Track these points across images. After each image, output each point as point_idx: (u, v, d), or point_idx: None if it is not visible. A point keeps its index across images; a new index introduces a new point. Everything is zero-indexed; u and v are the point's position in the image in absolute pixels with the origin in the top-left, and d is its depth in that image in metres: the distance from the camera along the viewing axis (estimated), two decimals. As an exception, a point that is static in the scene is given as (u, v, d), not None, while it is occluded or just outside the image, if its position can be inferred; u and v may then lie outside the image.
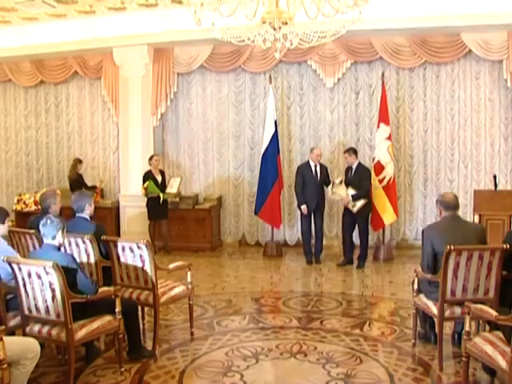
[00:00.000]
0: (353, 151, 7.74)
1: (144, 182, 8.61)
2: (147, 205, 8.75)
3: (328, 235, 9.08)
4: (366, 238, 7.86)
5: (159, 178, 8.74)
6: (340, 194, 7.66)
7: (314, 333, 5.10)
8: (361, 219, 7.74)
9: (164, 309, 5.44)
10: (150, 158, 8.78)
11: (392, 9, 7.74)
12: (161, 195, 8.59)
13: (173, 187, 8.92)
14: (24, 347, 3.43)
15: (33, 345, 3.51)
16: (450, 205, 4.47)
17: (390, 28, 7.96)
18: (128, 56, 9.11)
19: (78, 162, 9.50)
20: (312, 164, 7.97)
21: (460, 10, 7.61)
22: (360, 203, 7.51)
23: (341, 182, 7.69)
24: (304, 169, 8.00)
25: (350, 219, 7.78)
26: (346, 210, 7.77)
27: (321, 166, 8.02)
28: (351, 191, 7.52)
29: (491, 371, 3.86)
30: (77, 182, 9.23)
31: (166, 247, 8.86)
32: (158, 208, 8.64)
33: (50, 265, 3.67)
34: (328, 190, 7.83)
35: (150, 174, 8.68)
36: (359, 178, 7.60)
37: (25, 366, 3.42)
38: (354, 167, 7.69)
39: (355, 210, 7.54)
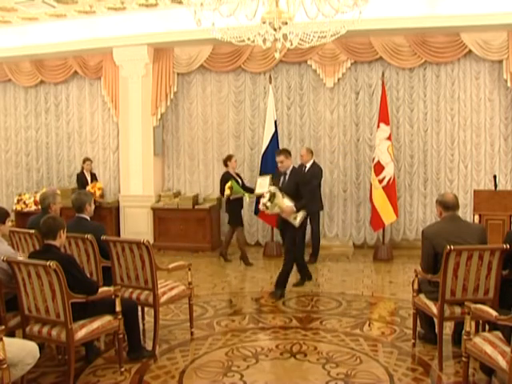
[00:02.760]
0: (288, 153, 6.49)
1: (224, 183, 7.83)
2: (228, 210, 8.06)
3: (328, 235, 9.10)
4: (287, 253, 6.47)
5: (239, 180, 8.07)
6: (280, 206, 6.17)
7: (314, 333, 5.10)
8: (298, 230, 6.36)
9: (164, 309, 5.43)
10: (229, 159, 8.10)
11: (392, 9, 7.76)
12: (246, 196, 7.85)
13: (263, 186, 7.75)
14: (24, 353, 3.42)
15: (33, 350, 3.51)
16: (449, 205, 4.47)
17: (390, 28, 7.98)
18: (128, 56, 9.11)
19: (82, 161, 9.56)
20: (304, 165, 8.04)
21: (460, 10, 7.63)
22: (301, 215, 6.22)
23: (273, 195, 6.15)
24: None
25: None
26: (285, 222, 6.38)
27: (312, 166, 8.02)
28: (288, 202, 6.18)
29: (489, 371, 3.86)
30: (78, 182, 9.35)
31: (245, 259, 8.08)
32: (240, 212, 8.06)
33: (49, 265, 3.67)
34: (260, 205, 6.38)
35: (229, 174, 7.99)
36: (295, 184, 6.29)
37: (23, 369, 3.43)
38: (289, 172, 6.40)
39: (297, 222, 6.21)
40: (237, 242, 8.22)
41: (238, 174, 8.30)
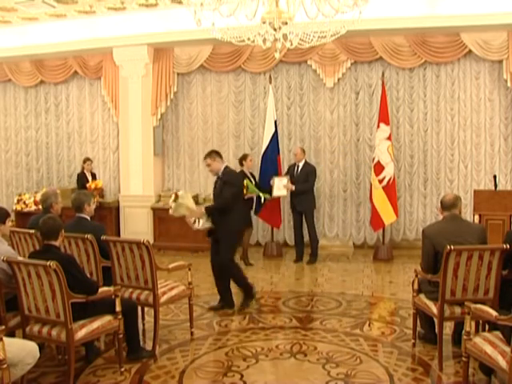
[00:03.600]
0: (215, 154, 5.83)
1: None
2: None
3: (328, 235, 9.10)
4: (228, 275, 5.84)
5: (252, 181, 8.08)
6: (187, 205, 5.57)
7: (314, 333, 5.10)
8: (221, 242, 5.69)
9: (164, 309, 5.43)
10: (244, 158, 8.10)
11: (392, 9, 7.77)
12: (261, 195, 7.96)
13: (280, 188, 7.93)
14: (24, 352, 3.42)
15: (33, 350, 3.50)
16: (446, 204, 4.52)
17: (390, 28, 7.98)
18: (128, 56, 9.11)
19: (83, 161, 9.55)
20: (296, 163, 8.17)
21: (460, 10, 7.63)
22: (205, 223, 5.64)
23: (177, 196, 5.56)
24: (290, 168, 8.25)
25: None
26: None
27: (305, 165, 8.13)
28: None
29: (488, 371, 3.85)
30: (78, 182, 9.32)
31: (245, 259, 8.03)
32: (249, 212, 7.89)
33: (50, 265, 3.67)
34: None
35: (244, 174, 7.93)
36: (221, 188, 5.72)
37: (23, 369, 3.43)
38: (221, 174, 5.78)
39: (197, 226, 5.69)
40: (245, 241, 8.17)
41: (251, 174, 8.32)
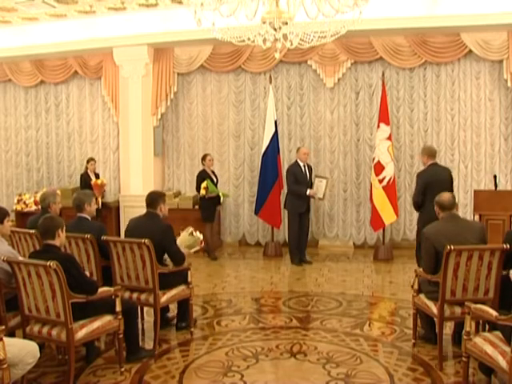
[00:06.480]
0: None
1: (200, 182, 8.25)
2: (201, 207, 8.44)
3: (328, 235, 9.11)
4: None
5: (214, 178, 8.45)
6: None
7: (314, 333, 5.11)
8: None
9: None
10: (203, 158, 8.49)
11: (392, 9, 7.77)
12: (221, 195, 8.35)
13: (319, 190, 7.97)
14: (24, 352, 3.42)
15: (34, 350, 3.51)
16: (445, 205, 4.51)
17: (390, 28, 7.98)
18: (128, 56, 9.11)
19: (87, 161, 9.51)
20: (301, 164, 8.01)
21: (460, 9, 7.63)
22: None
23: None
24: (295, 168, 8.01)
25: None
26: None
27: (308, 165, 8.12)
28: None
29: (488, 371, 3.85)
30: (81, 182, 9.30)
31: (210, 253, 8.48)
32: (214, 209, 8.44)
33: (50, 265, 3.67)
34: None
35: (205, 173, 8.36)
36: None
37: (23, 369, 3.43)
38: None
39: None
40: (207, 235, 8.33)
41: (213, 172, 8.60)
